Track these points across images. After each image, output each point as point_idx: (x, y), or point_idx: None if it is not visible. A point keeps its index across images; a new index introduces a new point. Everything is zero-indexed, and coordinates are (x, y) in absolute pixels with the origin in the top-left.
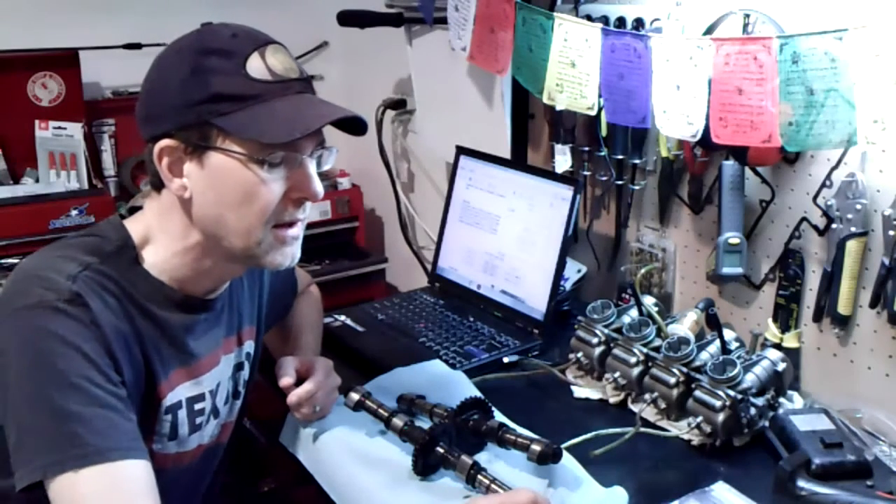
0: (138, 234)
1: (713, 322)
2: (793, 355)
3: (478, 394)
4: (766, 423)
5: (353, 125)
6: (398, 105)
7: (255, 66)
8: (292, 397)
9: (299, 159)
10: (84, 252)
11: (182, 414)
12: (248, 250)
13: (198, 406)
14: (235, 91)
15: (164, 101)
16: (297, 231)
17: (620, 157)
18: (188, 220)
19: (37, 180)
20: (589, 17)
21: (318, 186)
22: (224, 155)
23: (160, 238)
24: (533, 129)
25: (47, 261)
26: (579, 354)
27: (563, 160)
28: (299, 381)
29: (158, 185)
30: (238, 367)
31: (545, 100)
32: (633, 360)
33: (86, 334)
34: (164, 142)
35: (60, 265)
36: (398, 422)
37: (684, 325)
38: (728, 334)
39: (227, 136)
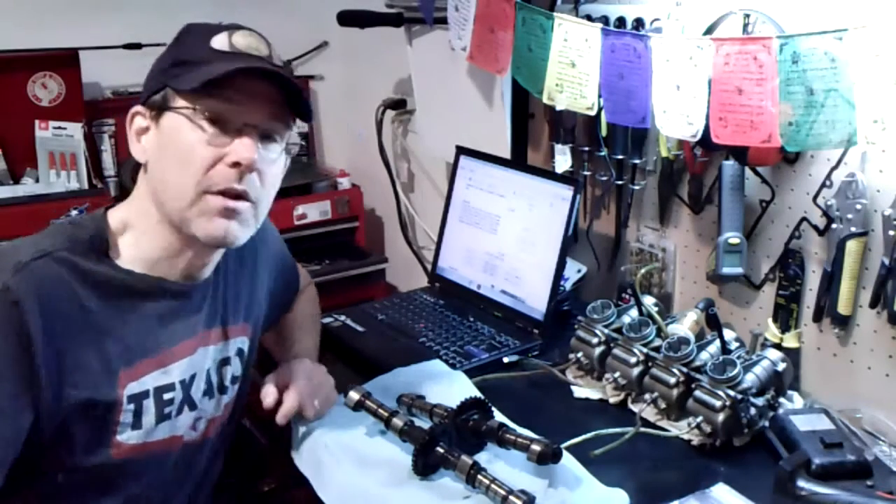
0: (119, 221)
1: (713, 322)
2: (793, 355)
3: (478, 394)
4: (766, 423)
5: (299, 107)
6: (398, 105)
7: (219, 40)
8: (280, 419)
9: (237, 125)
10: (54, 238)
11: (148, 403)
12: (180, 212)
13: (167, 396)
14: (191, 57)
15: (147, 79)
16: (237, 205)
17: (620, 157)
18: (150, 191)
19: (37, 180)
20: (589, 17)
21: (250, 152)
22: (175, 113)
23: (137, 221)
24: (533, 129)
25: (22, 241)
26: (579, 354)
27: (563, 160)
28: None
29: (138, 165)
30: (224, 361)
31: (545, 100)
32: (633, 360)
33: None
34: (135, 108)
35: (21, 248)
36: (398, 422)
37: (684, 325)
38: (728, 334)
39: (177, 96)
